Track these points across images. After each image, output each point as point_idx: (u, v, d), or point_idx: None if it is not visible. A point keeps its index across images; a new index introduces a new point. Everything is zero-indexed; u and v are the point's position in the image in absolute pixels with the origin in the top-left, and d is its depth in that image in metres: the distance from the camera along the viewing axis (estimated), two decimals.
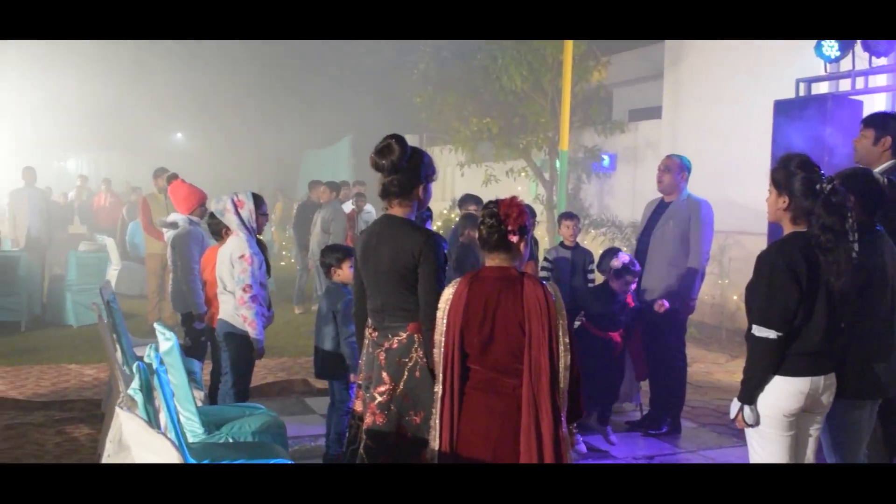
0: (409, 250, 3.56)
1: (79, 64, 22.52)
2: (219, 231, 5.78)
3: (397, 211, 3.70)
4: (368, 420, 3.65)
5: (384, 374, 3.62)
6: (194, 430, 4.35)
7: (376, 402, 3.62)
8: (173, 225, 6.65)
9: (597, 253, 6.63)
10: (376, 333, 3.72)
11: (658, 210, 6.34)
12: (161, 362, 3.97)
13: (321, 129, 25.38)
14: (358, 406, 3.86)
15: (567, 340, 3.21)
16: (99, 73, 23.41)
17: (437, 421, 3.34)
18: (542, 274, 6.91)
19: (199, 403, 4.93)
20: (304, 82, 25.85)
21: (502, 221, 3.29)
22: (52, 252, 12.90)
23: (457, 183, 18.18)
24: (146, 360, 3.95)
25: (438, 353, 3.36)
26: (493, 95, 14.18)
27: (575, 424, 3.43)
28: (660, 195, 6.38)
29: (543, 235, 12.60)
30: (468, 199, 7.99)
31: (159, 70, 24.54)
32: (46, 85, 23.27)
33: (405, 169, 3.63)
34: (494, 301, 3.24)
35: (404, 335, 3.61)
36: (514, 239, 3.30)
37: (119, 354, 5.76)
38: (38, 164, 14.50)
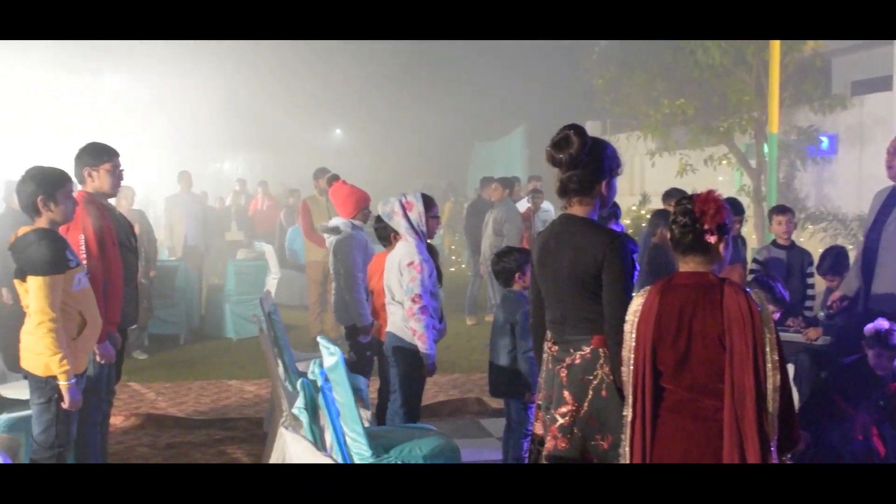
0: (591, 254, 3.58)
1: (234, 64, 23.83)
2: (386, 236, 5.96)
3: (577, 210, 3.73)
4: (549, 444, 3.69)
5: (566, 394, 3.65)
6: (361, 452, 4.53)
7: (557, 424, 3.66)
8: (335, 230, 6.91)
9: (816, 253, 6.40)
10: (556, 348, 3.76)
11: (889, 201, 6.04)
12: (326, 379, 4.16)
13: (491, 118, 25.64)
14: (538, 428, 3.91)
15: (776, 357, 3.13)
16: (254, 73, 24.67)
17: (628, 448, 3.35)
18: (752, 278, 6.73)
19: (366, 424, 5.14)
20: (470, 69, 26.20)
21: (697, 219, 3.26)
22: (210, 261, 13.73)
23: (647, 174, 17.93)
24: (310, 376, 4.17)
25: (627, 372, 3.37)
26: (688, 72, 13.92)
27: (788, 455, 3.34)
28: (891, 183, 6.08)
29: (751, 233, 12.23)
30: (673, 193, 7.81)
31: (316, 67, 25.54)
32: (202, 86, 24.75)
33: (585, 163, 3.65)
34: (690, 312, 3.21)
35: (588, 349, 3.63)
36: (712, 240, 3.26)
37: (281, 370, 6.10)
38: (194, 167, 15.49)
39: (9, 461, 4.51)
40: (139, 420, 7.15)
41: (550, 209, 11.97)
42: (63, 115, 22.44)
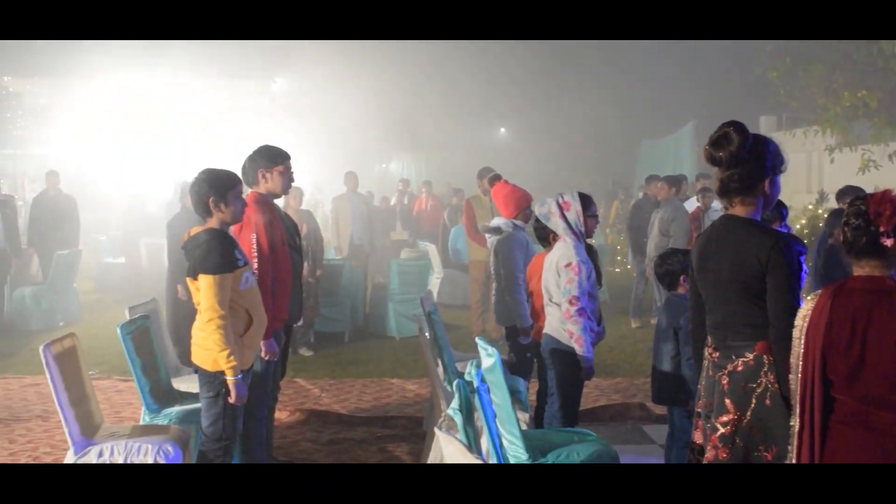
0: (754, 255, 3.49)
1: (399, 66, 24.33)
2: (545, 236, 5.97)
3: (739, 210, 3.65)
4: (710, 454, 3.62)
5: (727, 402, 3.57)
6: (518, 455, 4.55)
7: (718, 433, 3.59)
8: (496, 230, 6.96)
9: None
10: (717, 354, 3.68)
11: None
12: (482, 380, 4.21)
13: (660, 115, 25.21)
14: (697, 437, 3.84)
15: None
16: (420, 74, 25.11)
17: (794, 460, 3.24)
18: None
19: (524, 426, 5.16)
20: (637, 65, 25.85)
21: (871, 221, 3.12)
22: (375, 260, 14.07)
23: (825, 171, 17.19)
24: (466, 377, 4.23)
25: (795, 380, 3.26)
26: (870, 61, 13.25)
27: None
28: None
29: None
30: (848, 191, 7.52)
31: (481, 67, 25.77)
32: (367, 87, 25.42)
33: (747, 161, 3.57)
34: (864, 318, 3.08)
35: (751, 356, 3.54)
36: (889, 243, 3.11)
37: (440, 370, 6.20)
38: (360, 167, 15.90)
39: (180, 451, 4.79)
40: (303, 415, 7.40)
41: (721, 209, 11.62)
42: (235, 118, 23.50)
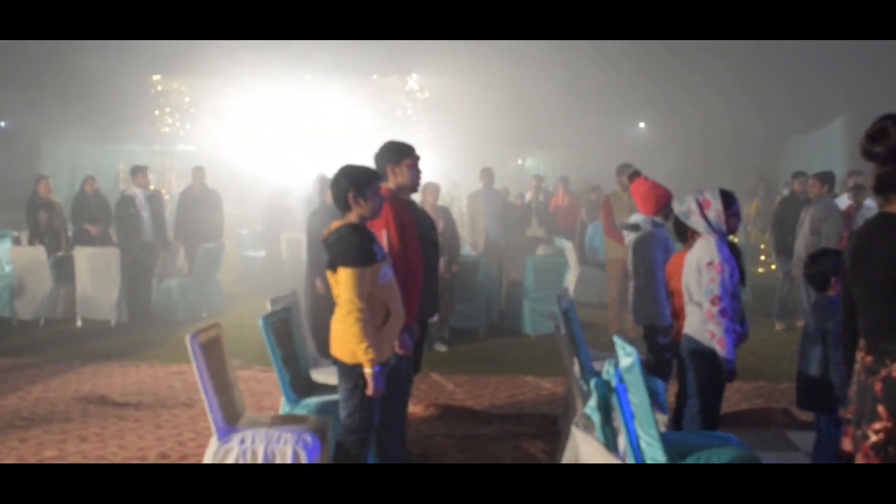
0: None
1: (535, 62, 24.28)
2: (684, 234, 5.88)
3: None
4: (860, 462, 3.51)
5: (880, 408, 3.45)
6: (656, 457, 4.48)
7: (870, 441, 3.47)
8: (635, 227, 6.88)
9: None
10: (870, 358, 3.55)
11: None
12: (621, 380, 4.17)
13: (808, 108, 24.38)
14: (846, 445, 3.72)
15: None
16: (556, 69, 25.01)
17: None
18: None
19: (662, 428, 5.09)
20: (784, 57, 25.07)
21: None
22: (510, 256, 14.09)
23: None
24: (604, 376, 4.19)
25: None
26: None
27: None
28: None
29: None
30: None
31: (617, 62, 25.49)
32: (502, 84, 25.46)
33: None
34: None
35: None
36: None
37: (577, 368, 6.17)
38: (496, 163, 15.94)
39: (318, 442, 4.91)
40: (437, 410, 7.48)
41: (874, 207, 11.17)
42: (374, 115, 23.88)
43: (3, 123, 33.95)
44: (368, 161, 5.24)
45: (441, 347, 10.03)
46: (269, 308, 6.12)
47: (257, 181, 21.04)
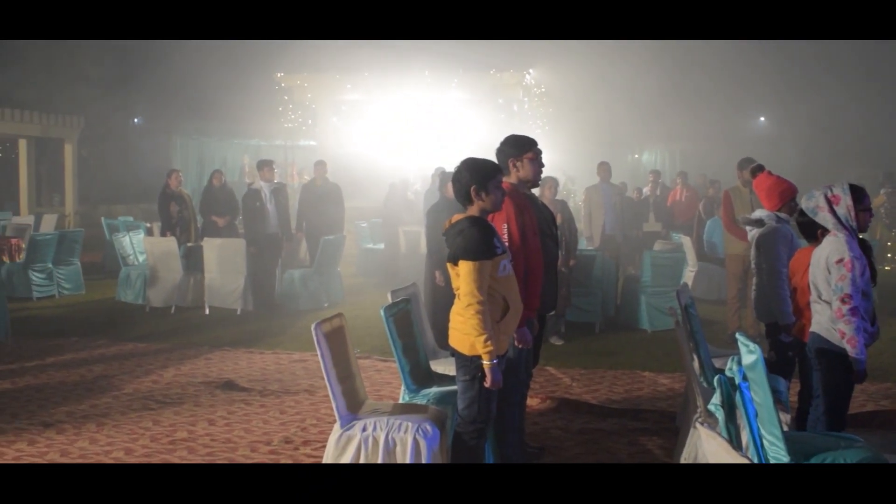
0: None
1: (651, 55, 23.90)
2: (811, 231, 5.69)
3: None
4: None
5: None
6: (779, 457, 4.36)
7: None
8: (758, 222, 6.70)
9: None
10: None
11: None
12: (744, 378, 4.07)
13: None
14: None
15: None
16: (673, 63, 24.57)
17: None
18: None
19: (785, 428, 4.94)
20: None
21: None
22: (627, 251, 13.93)
23: None
24: (727, 373, 4.10)
25: None
26: None
27: None
28: None
29: None
30: None
31: (734, 54, 24.89)
32: (618, 78, 25.14)
33: None
34: None
35: None
36: None
37: (696, 365, 6.05)
38: (612, 158, 15.76)
39: (438, 431, 4.94)
40: (554, 403, 7.45)
41: None
42: (491, 109, 23.87)
43: (136, 120, 35.24)
44: (486, 155, 5.24)
45: (557, 341, 9.97)
46: (389, 299, 6.18)
47: (376, 175, 21.30)
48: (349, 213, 14.65)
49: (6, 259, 13.31)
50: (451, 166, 10.02)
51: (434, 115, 24.00)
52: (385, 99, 24.61)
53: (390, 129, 24.36)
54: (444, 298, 7.67)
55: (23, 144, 26.42)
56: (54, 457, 6.14)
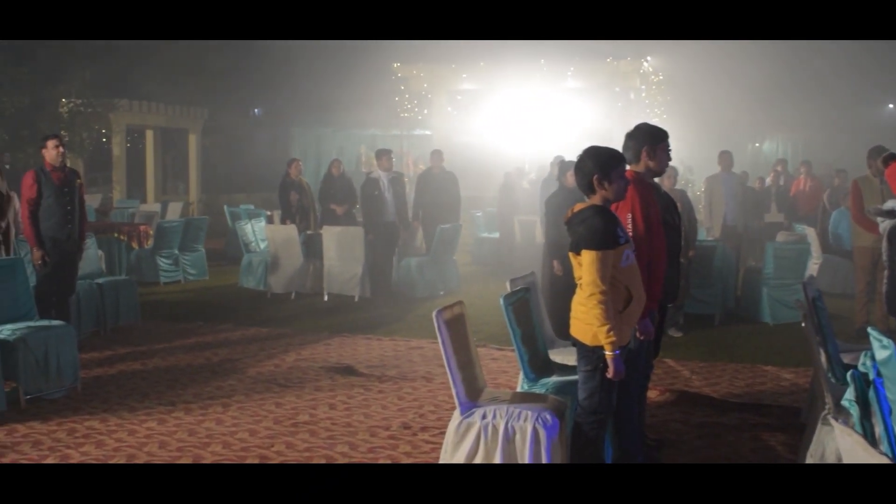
0: None
1: (771, 42, 23.20)
2: None
3: None
4: None
5: None
6: None
7: None
8: (890, 213, 6.49)
9: None
10: None
11: None
12: (878, 374, 3.94)
13: None
14: None
15: None
16: (795, 49, 23.84)
17: None
18: None
19: None
20: None
21: None
22: (748, 242, 13.61)
23: None
24: (860, 368, 3.97)
25: None
26: None
27: None
28: None
29: None
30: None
31: (857, 43, 23.99)
32: (737, 65, 24.51)
33: None
34: None
35: None
36: None
37: (823, 359, 5.87)
38: (732, 147, 15.39)
39: (557, 421, 4.94)
40: (673, 396, 7.34)
41: None
42: (608, 98, 23.62)
43: (256, 111, 36.09)
44: (604, 143, 5.19)
45: (676, 333, 9.81)
46: (508, 288, 6.19)
47: (492, 164, 21.32)
48: (464, 202, 14.71)
49: (135, 245, 13.82)
50: (567, 155, 9.97)
51: (549, 103, 23.88)
52: (500, 88, 24.61)
53: (505, 118, 24.34)
54: (562, 288, 7.65)
55: (150, 135, 27.32)
56: (183, 436, 6.36)
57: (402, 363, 8.62)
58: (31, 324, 7.48)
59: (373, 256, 12.32)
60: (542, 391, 5.67)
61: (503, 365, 8.43)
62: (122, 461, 5.86)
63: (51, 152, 8.63)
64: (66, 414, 6.88)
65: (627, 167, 5.49)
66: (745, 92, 25.94)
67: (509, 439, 4.93)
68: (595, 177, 4.75)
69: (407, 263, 12.62)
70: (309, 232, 13.29)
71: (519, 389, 5.98)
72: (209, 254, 15.21)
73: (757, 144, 31.23)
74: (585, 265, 4.60)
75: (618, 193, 4.82)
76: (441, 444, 5.29)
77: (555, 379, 5.83)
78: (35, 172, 8.62)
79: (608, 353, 4.63)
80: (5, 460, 5.85)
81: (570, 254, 4.78)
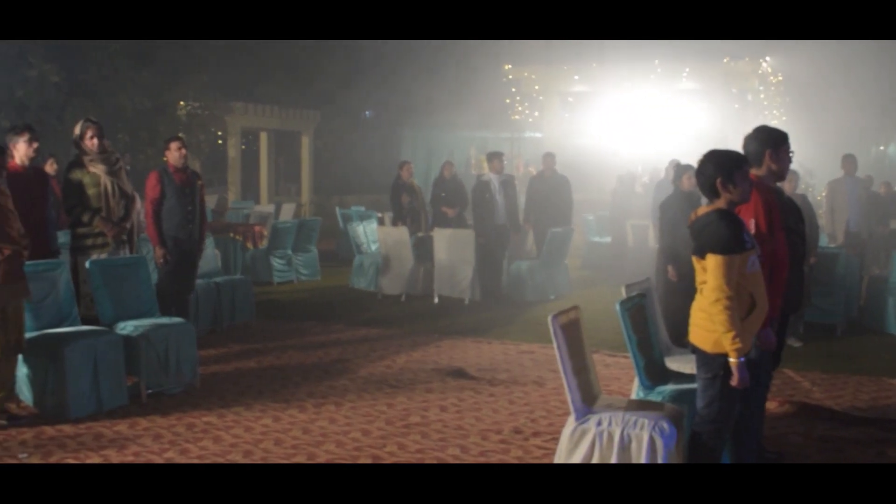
0: None
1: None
2: None
3: None
4: None
5: None
6: None
7: None
8: None
9: None
10: None
11: None
12: None
13: None
14: None
15: None
16: None
17: None
18: None
19: None
20: None
21: None
22: (872, 249, 13.15)
23: None
24: None
25: None
26: None
27: None
28: None
29: None
30: None
31: None
32: (864, 65, 23.71)
33: None
34: None
35: None
36: None
37: None
38: (855, 150, 14.90)
39: (675, 429, 4.85)
40: (793, 408, 7.13)
41: None
42: (725, 99, 23.16)
43: (367, 113, 36.54)
44: (719, 146, 5.07)
45: (795, 343, 9.53)
46: (623, 294, 6.12)
47: (604, 167, 21.12)
48: (576, 205, 14.60)
49: (250, 245, 14.16)
50: (682, 158, 9.79)
51: (663, 105, 23.54)
52: (613, 90, 24.36)
53: (618, 120, 24.08)
54: (677, 294, 7.52)
55: (263, 137, 27.94)
56: (297, 433, 6.48)
57: (512, 367, 8.60)
58: (153, 321, 7.70)
59: (483, 259, 12.32)
60: (659, 399, 5.59)
61: (616, 372, 8.34)
62: (239, 457, 6.00)
63: (173, 154, 8.90)
64: (185, 409, 7.08)
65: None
66: (869, 93, 25.08)
67: (625, 447, 4.87)
68: (718, 180, 4.65)
69: (517, 267, 12.59)
70: (420, 234, 13.38)
71: (633, 397, 5.90)
72: (320, 255, 15.46)
73: (882, 148, 30.11)
74: (711, 270, 4.51)
75: (743, 195, 4.72)
76: (553, 449, 5.27)
77: (671, 387, 5.73)
78: (158, 173, 8.90)
79: (733, 360, 4.53)
80: (128, 452, 6.05)
81: (694, 258, 4.69)
